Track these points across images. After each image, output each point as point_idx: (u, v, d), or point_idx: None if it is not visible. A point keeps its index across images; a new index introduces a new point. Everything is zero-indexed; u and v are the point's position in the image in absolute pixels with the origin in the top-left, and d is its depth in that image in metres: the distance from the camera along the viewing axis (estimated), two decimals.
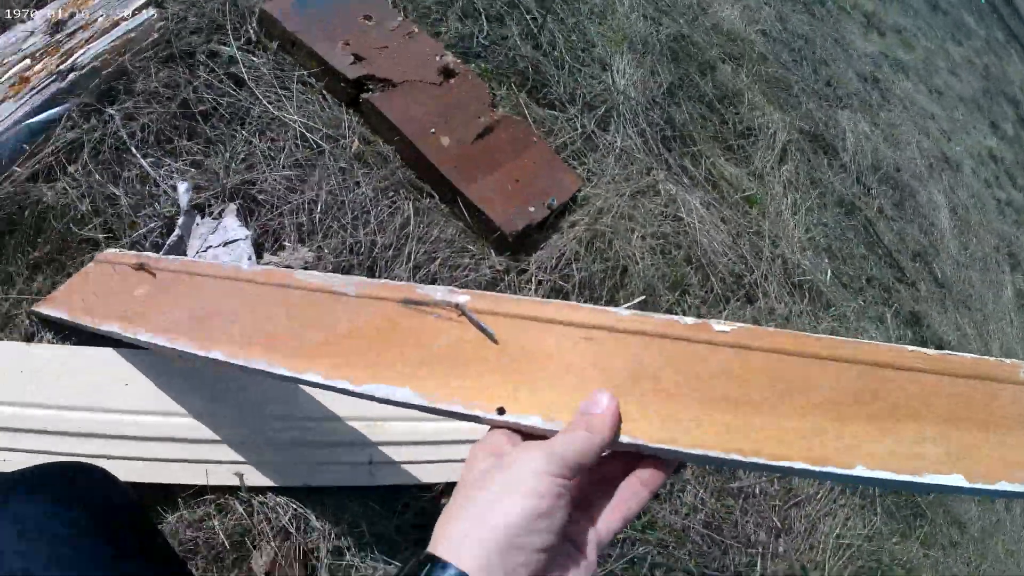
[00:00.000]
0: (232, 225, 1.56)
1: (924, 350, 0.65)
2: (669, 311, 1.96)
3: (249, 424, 1.35)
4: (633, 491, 0.62)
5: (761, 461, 0.61)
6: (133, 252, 1.61)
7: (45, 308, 1.42)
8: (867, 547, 2.07)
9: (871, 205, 3.27)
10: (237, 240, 1.53)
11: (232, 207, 1.59)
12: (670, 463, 0.63)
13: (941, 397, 0.63)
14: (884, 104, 4.25)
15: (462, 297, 0.82)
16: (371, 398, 0.77)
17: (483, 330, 0.78)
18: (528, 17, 2.30)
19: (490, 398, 0.71)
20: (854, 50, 4.44)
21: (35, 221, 1.50)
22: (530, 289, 1.72)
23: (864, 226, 3.10)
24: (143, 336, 1.15)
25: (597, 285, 1.81)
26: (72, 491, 0.73)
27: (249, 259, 1.50)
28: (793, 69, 3.44)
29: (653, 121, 2.29)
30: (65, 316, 1.35)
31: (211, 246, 1.53)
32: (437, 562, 0.50)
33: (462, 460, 1.45)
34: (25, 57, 1.68)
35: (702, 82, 2.64)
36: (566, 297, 1.77)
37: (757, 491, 1.96)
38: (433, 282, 1.63)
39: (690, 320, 0.73)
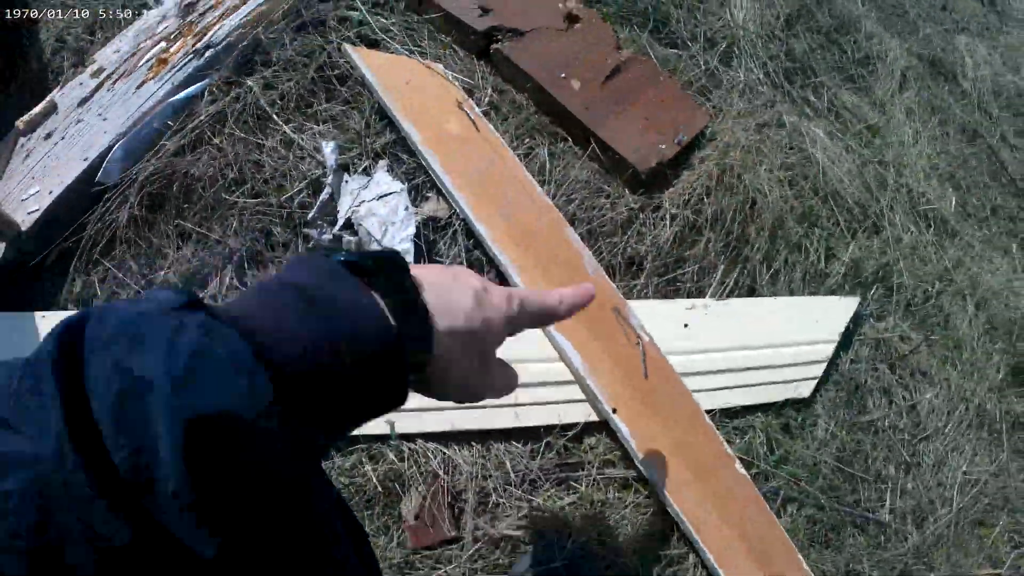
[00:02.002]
0: (384, 180, 1.61)
1: None
2: (798, 245, 1.93)
3: None
4: None
5: None
6: (459, 86, 1.76)
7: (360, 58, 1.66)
8: (994, 483, 2.02)
9: (994, 132, 3.09)
10: (392, 193, 1.58)
11: (383, 163, 1.64)
12: None
13: None
14: (1002, 28, 3.97)
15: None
16: None
17: None
18: None
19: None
20: None
21: (184, 193, 1.59)
22: (664, 224, 1.72)
23: (987, 154, 2.94)
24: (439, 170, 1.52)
25: (728, 220, 1.79)
26: None
27: (406, 209, 1.55)
28: None
29: (774, 54, 2.22)
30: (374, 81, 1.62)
31: (364, 200, 1.58)
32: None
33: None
34: (161, 40, 1.78)
35: (818, 12, 2.53)
36: (699, 232, 1.76)
37: (887, 424, 1.93)
38: (572, 221, 1.65)
39: None
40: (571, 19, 1.94)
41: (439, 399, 0.55)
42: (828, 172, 2.04)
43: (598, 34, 1.94)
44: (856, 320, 1.96)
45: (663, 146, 1.77)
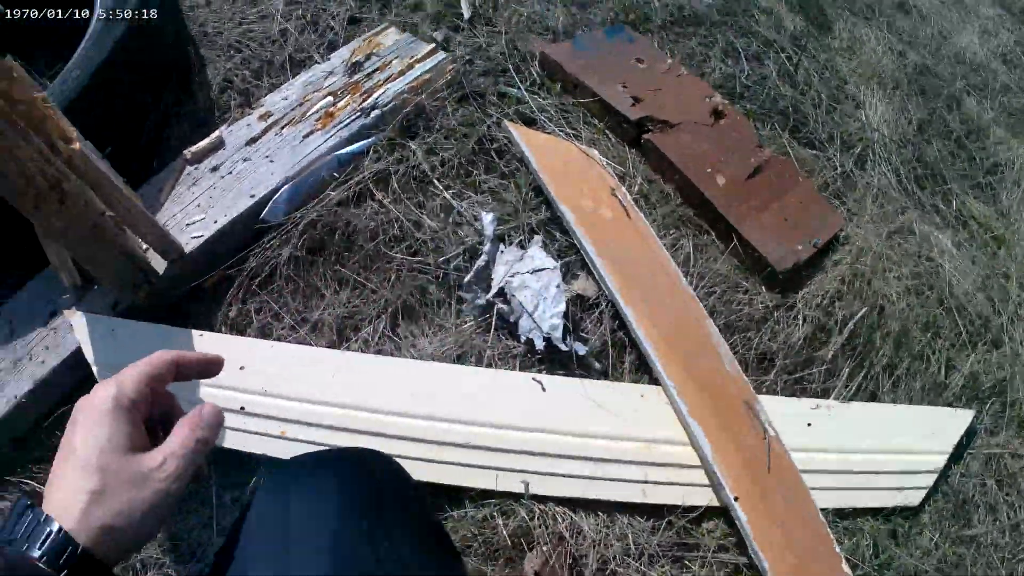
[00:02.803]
0: (539, 255, 1.69)
1: None
2: (920, 354, 1.94)
3: (537, 438, 1.48)
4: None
5: None
6: (612, 172, 1.86)
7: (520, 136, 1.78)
8: None
9: None
10: (545, 269, 1.65)
11: (538, 239, 1.72)
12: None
13: None
14: None
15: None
16: None
17: None
18: (783, 55, 2.33)
19: None
20: None
21: (345, 242, 1.70)
22: (797, 324, 1.77)
23: None
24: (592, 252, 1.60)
25: (856, 324, 1.83)
26: (355, 470, 0.81)
27: (558, 287, 1.62)
28: None
29: (906, 159, 2.26)
30: (533, 160, 1.73)
31: (518, 272, 1.66)
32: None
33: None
34: (328, 94, 1.90)
35: (949, 117, 2.56)
36: (828, 334, 1.80)
37: (989, 540, 1.91)
38: (711, 314, 1.71)
39: None
40: (717, 114, 2.02)
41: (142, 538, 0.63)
42: (954, 283, 2.05)
43: (741, 131, 2.01)
44: (970, 434, 1.95)
45: (800, 247, 1.83)
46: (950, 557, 1.83)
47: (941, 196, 2.31)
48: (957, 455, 1.92)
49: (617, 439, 1.50)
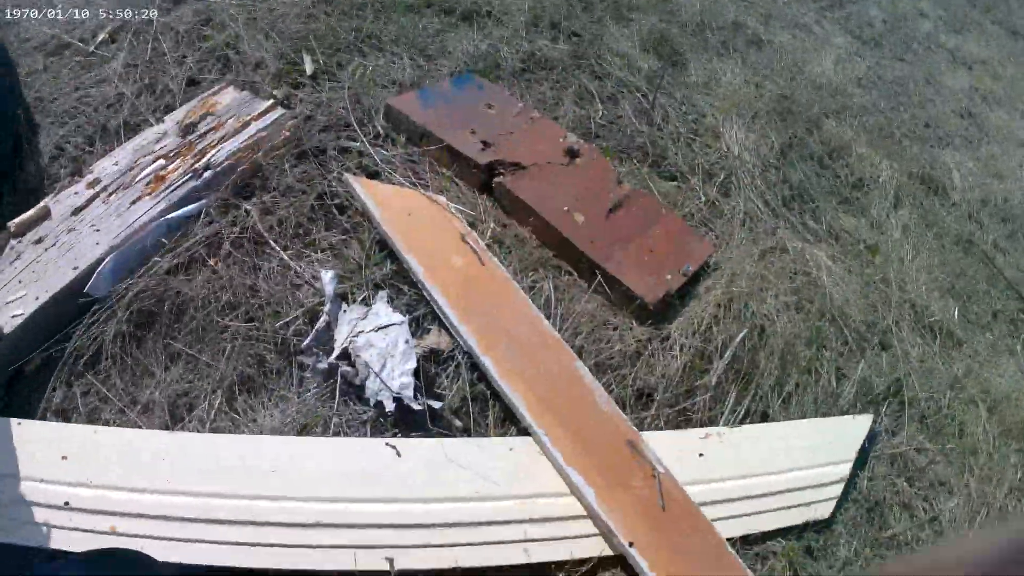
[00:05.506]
0: (384, 311, 1.56)
1: None
2: (808, 368, 1.86)
3: (397, 509, 1.32)
4: None
5: None
6: (463, 218, 1.72)
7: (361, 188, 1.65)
8: None
9: (985, 239, 3.05)
10: (392, 325, 1.53)
11: (383, 294, 1.60)
12: None
13: None
14: (983, 137, 4.00)
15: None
16: None
17: None
18: (639, 94, 2.29)
19: None
20: (946, 88, 4.22)
21: (175, 313, 1.54)
22: (674, 355, 1.66)
23: (983, 261, 2.89)
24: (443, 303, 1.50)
25: (737, 347, 1.73)
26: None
27: (406, 342, 1.50)
28: (892, 115, 3.29)
29: (771, 183, 2.22)
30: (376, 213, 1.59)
31: (362, 331, 1.52)
32: None
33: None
34: (159, 158, 1.76)
35: (810, 139, 2.55)
36: (709, 360, 1.70)
37: (909, 537, 1.81)
38: (579, 355, 1.59)
39: None
40: (571, 154, 1.95)
41: None
42: (833, 294, 1.99)
43: (599, 169, 1.94)
44: (871, 438, 1.87)
45: (669, 276, 1.74)
46: (872, 561, 1.71)
47: (810, 214, 2.27)
48: (861, 460, 1.83)
49: (488, 499, 1.35)
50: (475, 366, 1.52)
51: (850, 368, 1.95)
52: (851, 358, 1.98)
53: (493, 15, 2.50)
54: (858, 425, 1.86)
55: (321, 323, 1.52)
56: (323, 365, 1.48)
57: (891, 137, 3.09)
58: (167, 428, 1.41)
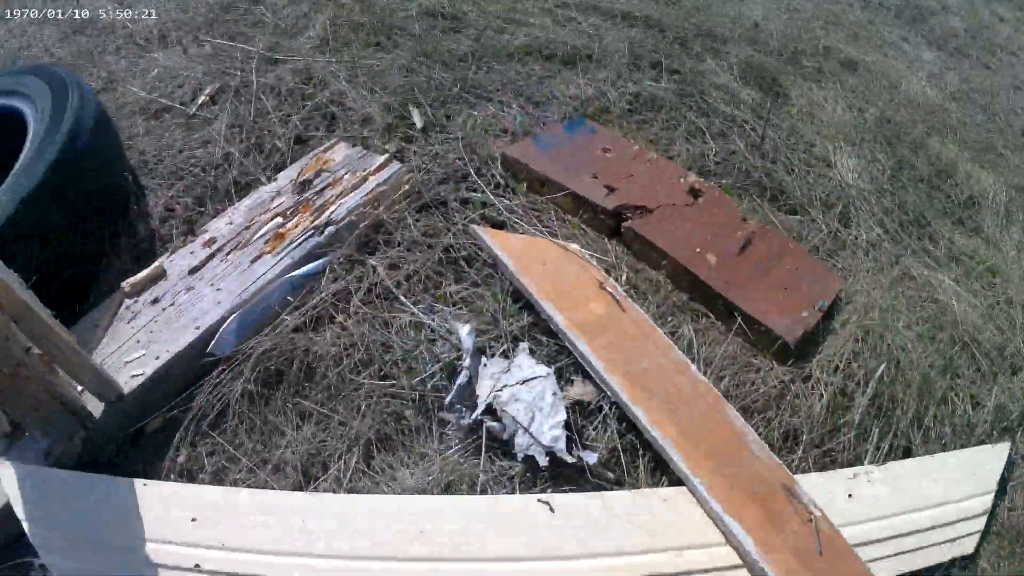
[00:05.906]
0: (527, 363, 1.55)
1: None
2: (944, 398, 1.82)
3: (548, 567, 1.28)
4: None
5: None
6: (597, 265, 1.75)
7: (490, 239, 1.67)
8: None
9: None
10: (537, 377, 1.51)
11: (524, 346, 1.59)
12: None
13: None
14: None
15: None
16: None
17: None
18: (747, 128, 2.29)
19: None
20: None
21: (304, 371, 1.53)
22: (817, 394, 1.65)
23: None
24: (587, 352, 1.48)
25: (877, 383, 1.71)
26: None
27: (554, 394, 1.49)
28: (989, 126, 3.22)
29: (887, 208, 2.20)
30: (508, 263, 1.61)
31: (507, 385, 1.50)
32: None
33: None
34: (276, 215, 1.77)
35: (917, 160, 2.52)
36: (850, 398, 1.69)
37: None
38: (727, 399, 1.59)
39: None
40: (694, 193, 1.96)
41: None
42: (964, 321, 1.95)
43: (722, 207, 1.95)
44: (1009, 466, 1.82)
45: (805, 313, 1.73)
46: None
47: (928, 238, 2.24)
48: (1000, 490, 1.79)
49: (650, 552, 1.34)
50: (623, 416, 1.51)
51: (983, 395, 1.91)
52: (984, 384, 1.94)
53: (593, 58, 2.54)
54: (996, 454, 1.81)
55: (462, 378, 1.51)
56: (467, 421, 1.47)
57: (992, 150, 3.02)
58: (300, 488, 1.39)
